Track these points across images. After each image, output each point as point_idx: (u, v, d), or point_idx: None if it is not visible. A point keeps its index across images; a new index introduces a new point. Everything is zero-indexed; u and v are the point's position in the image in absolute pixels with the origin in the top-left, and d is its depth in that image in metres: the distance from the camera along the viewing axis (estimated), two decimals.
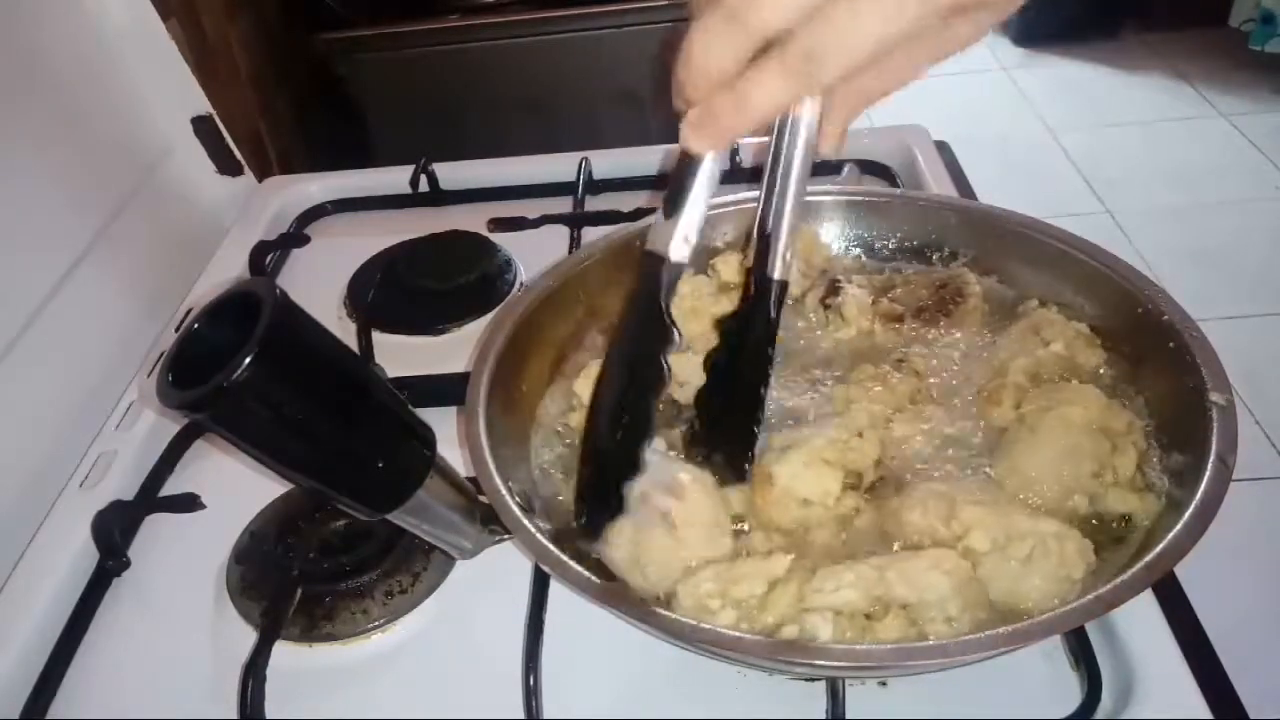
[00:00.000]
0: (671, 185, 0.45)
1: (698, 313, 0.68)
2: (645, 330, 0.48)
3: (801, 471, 0.53)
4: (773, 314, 0.52)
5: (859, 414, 0.58)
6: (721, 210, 0.71)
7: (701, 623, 0.45)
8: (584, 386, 0.62)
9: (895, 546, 0.52)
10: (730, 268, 0.70)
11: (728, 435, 0.55)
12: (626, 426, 0.49)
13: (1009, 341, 0.62)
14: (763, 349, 0.53)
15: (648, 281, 0.47)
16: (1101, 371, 0.60)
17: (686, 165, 0.44)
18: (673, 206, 0.45)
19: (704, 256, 0.71)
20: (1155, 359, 0.57)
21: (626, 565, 0.50)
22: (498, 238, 0.89)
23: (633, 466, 0.49)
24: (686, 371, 0.63)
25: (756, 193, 0.72)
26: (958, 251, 0.69)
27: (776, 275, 0.51)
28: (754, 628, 0.47)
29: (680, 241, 0.45)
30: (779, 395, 0.62)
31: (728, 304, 0.68)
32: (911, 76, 0.43)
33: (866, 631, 0.47)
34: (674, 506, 0.49)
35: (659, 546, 0.49)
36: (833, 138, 0.47)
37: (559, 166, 0.96)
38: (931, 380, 0.62)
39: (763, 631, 0.46)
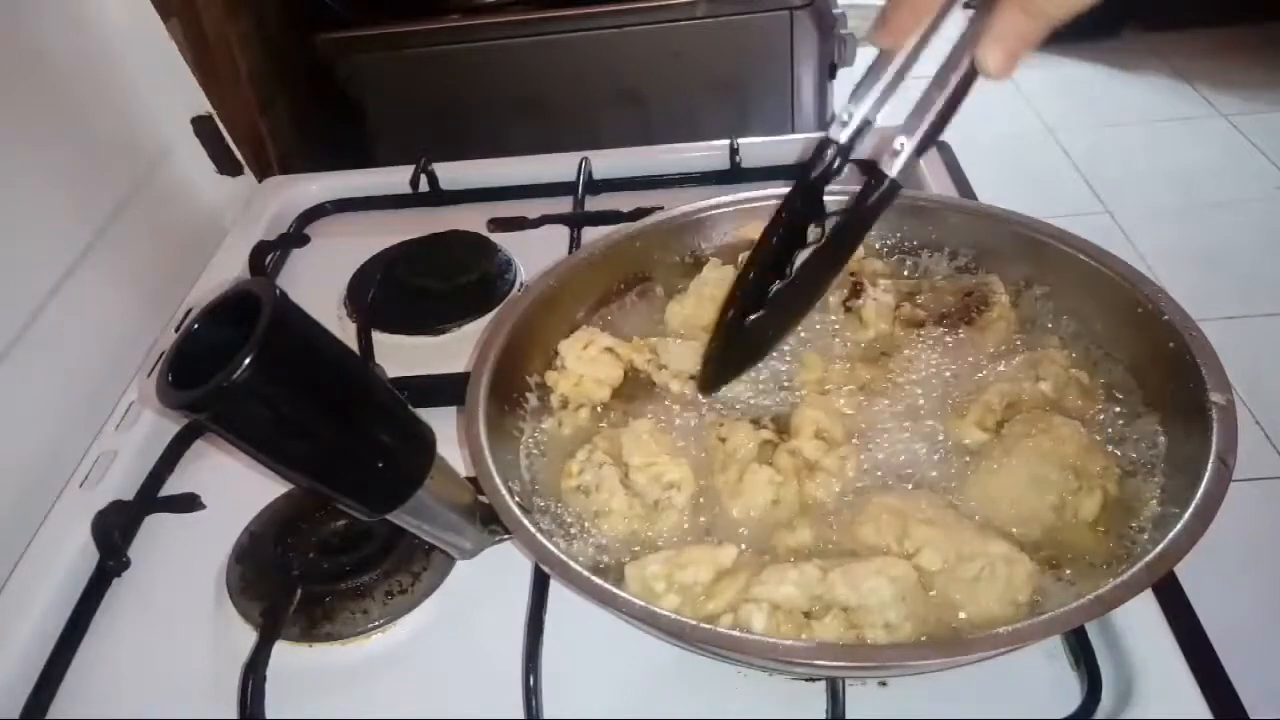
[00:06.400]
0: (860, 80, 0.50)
1: (717, 301, 0.67)
2: (796, 197, 0.54)
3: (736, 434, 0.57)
4: (867, 218, 0.52)
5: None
6: (720, 211, 0.71)
7: (701, 622, 0.45)
8: (568, 346, 0.63)
9: None
10: None
11: (741, 345, 0.57)
12: (758, 268, 0.55)
13: (1008, 369, 0.61)
14: (840, 257, 0.54)
15: (810, 157, 0.53)
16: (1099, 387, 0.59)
17: (873, 62, 0.49)
18: (851, 96, 0.51)
19: (736, 250, 0.71)
20: (1155, 359, 0.57)
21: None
22: (498, 238, 0.89)
23: (758, 305, 0.55)
24: (677, 361, 0.63)
25: (757, 192, 0.71)
26: (958, 251, 0.69)
27: (893, 173, 0.49)
28: (696, 614, 0.48)
29: (838, 124, 0.51)
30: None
31: None
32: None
33: (804, 629, 0.47)
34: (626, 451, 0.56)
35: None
36: (997, 54, 0.43)
37: (559, 166, 0.96)
38: (919, 390, 0.61)
39: (704, 619, 0.47)
